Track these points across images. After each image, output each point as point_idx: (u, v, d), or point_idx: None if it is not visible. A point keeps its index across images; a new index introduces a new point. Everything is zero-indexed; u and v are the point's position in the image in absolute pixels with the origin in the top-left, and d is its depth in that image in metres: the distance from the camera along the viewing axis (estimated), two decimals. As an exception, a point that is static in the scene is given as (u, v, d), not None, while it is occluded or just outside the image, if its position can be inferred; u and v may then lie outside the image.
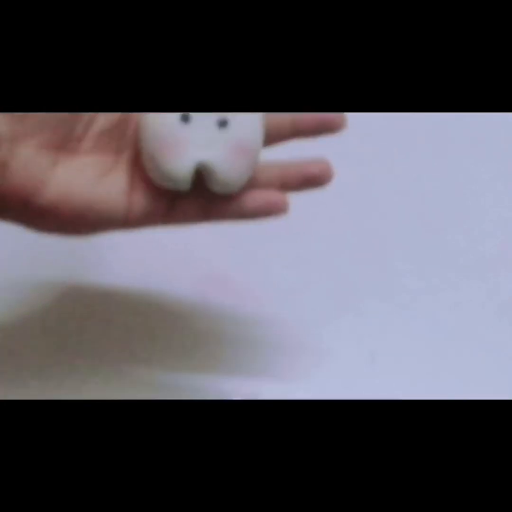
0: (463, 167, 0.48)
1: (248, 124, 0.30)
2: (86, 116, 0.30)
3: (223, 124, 0.30)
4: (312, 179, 0.31)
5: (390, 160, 0.48)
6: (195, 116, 0.30)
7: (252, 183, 0.31)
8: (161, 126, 0.30)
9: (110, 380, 0.40)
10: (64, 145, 0.29)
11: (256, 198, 0.31)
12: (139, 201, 0.30)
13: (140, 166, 0.31)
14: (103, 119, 0.30)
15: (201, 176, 0.31)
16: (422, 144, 0.48)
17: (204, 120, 0.30)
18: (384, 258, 0.45)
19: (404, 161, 0.48)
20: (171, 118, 0.30)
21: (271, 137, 0.31)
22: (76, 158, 0.30)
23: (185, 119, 0.30)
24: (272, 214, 0.31)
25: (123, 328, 0.42)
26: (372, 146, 0.47)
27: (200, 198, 0.31)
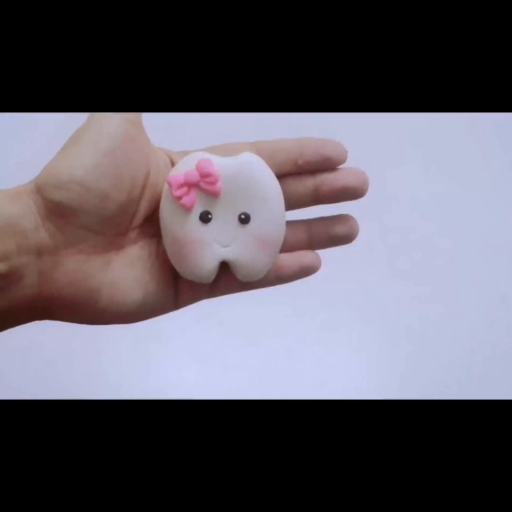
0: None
1: (270, 217, 0.30)
2: (131, 209, 0.29)
3: (245, 220, 0.29)
4: (338, 240, 0.31)
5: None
6: (216, 214, 0.29)
7: (282, 247, 0.31)
8: (181, 228, 0.29)
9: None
10: (113, 243, 0.29)
11: (290, 264, 0.31)
12: (186, 287, 0.31)
13: None
14: (146, 205, 0.30)
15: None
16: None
17: (225, 218, 0.29)
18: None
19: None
20: (190, 220, 0.29)
21: (292, 206, 0.31)
22: (125, 252, 0.30)
23: (205, 220, 0.29)
24: (307, 275, 0.32)
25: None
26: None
27: None
